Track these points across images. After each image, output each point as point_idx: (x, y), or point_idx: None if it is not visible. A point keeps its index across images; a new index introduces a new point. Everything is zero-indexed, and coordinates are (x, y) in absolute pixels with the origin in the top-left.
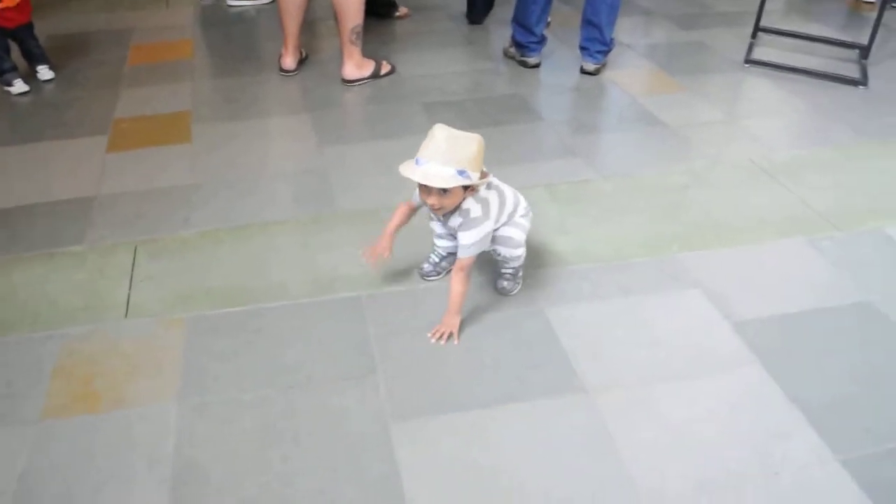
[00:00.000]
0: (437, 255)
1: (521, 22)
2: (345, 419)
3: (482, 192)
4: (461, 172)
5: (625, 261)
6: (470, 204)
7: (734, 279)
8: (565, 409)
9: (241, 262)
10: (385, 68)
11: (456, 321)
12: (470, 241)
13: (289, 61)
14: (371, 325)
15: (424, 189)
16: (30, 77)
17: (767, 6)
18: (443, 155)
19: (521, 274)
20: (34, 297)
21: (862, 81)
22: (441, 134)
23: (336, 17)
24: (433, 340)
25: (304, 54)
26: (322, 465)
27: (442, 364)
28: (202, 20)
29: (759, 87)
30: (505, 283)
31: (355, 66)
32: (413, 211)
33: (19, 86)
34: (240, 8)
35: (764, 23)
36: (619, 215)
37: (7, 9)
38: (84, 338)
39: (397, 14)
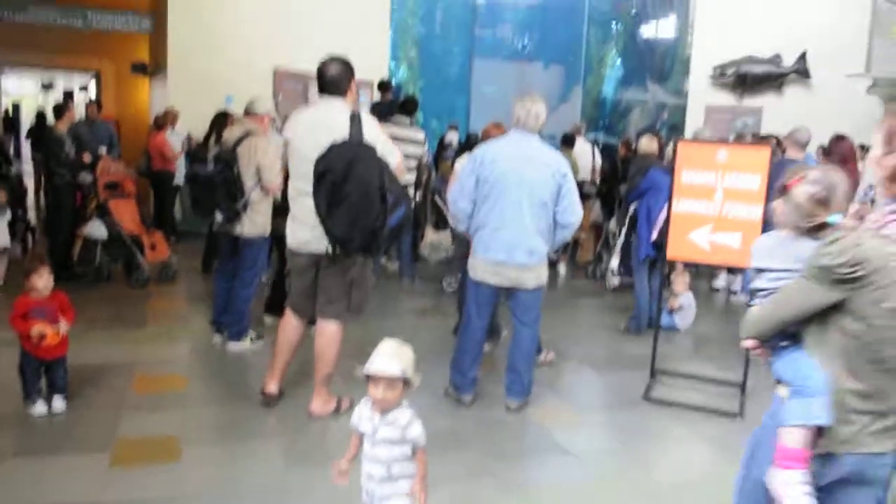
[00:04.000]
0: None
1: (458, 367)
2: None
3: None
4: (404, 371)
5: None
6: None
7: None
8: None
9: None
10: (345, 405)
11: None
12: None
13: (271, 387)
14: None
15: (374, 385)
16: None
17: (673, 349)
18: (390, 357)
19: None
20: None
21: (739, 413)
22: (386, 345)
23: (315, 360)
24: None
25: (282, 390)
26: None
27: None
28: (198, 356)
29: (654, 419)
30: None
31: (322, 403)
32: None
33: (40, 409)
34: (238, 350)
35: (665, 365)
36: None
37: (50, 345)
38: None
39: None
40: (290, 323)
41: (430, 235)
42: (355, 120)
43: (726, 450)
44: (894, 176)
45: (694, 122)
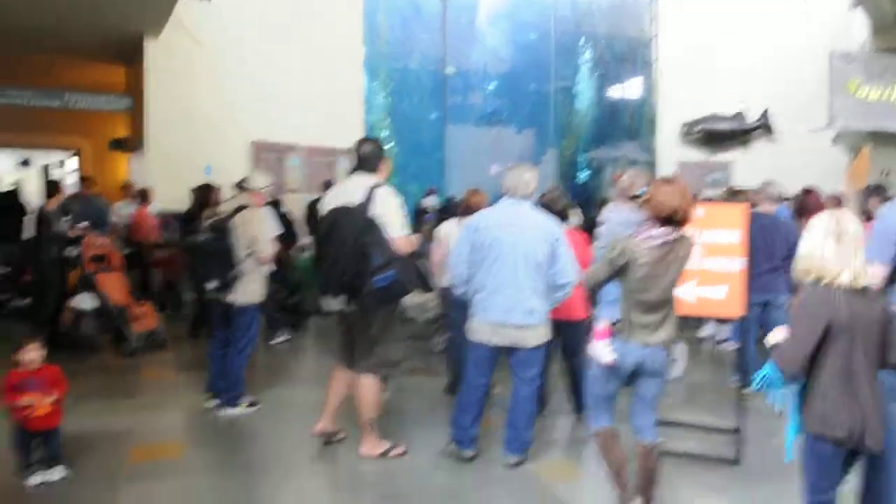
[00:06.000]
0: None
1: (458, 423)
2: None
3: None
4: None
5: None
6: None
7: None
8: None
9: None
10: (397, 451)
11: None
12: None
13: (320, 427)
14: None
15: None
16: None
17: (666, 398)
18: None
19: None
20: None
21: (736, 460)
22: None
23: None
24: None
25: (337, 432)
26: None
27: None
28: (193, 424)
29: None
30: None
31: (369, 446)
32: None
33: (37, 479)
34: (233, 415)
35: (661, 415)
36: None
37: (39, 415)
38: None
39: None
40: (338, 373)
41: (416, 296)
42: (370, 190)
43: (723, 494)
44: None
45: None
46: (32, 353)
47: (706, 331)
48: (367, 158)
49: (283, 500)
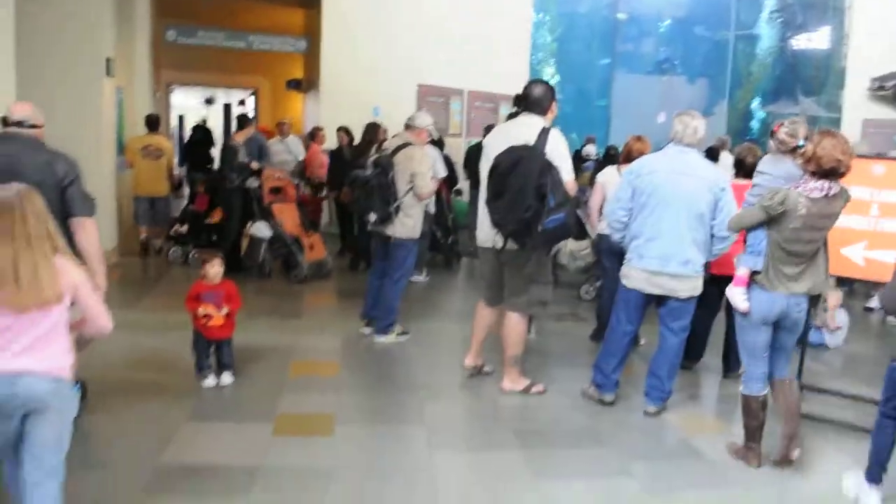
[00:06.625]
0: None
1: (601, 368)
2: None
3: None
4: None
5: None
6: None
7: None
8: None
9: None
10: (536, 388)
11: None
12: None
13: (468, 361)
14: None
15: None
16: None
17: (821, 367)
18: None
19: None
20: None
21: None
22: None
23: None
24: None
25: (483, 365)
26: None
27: None
28: (349, 347)
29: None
30: None
31: (511, 381)
32: None
33: (210, 381)
34: (385, 343)
35: (813, 381)
36: None
37: (215, 326)
38: None
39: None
40: (481, 311)
41: (570, 244)
42: (543, 132)
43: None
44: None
45: (850, 137)
46: (216, 268)
47: (875, 301)
48: (537, 100)
49: (427, 418)
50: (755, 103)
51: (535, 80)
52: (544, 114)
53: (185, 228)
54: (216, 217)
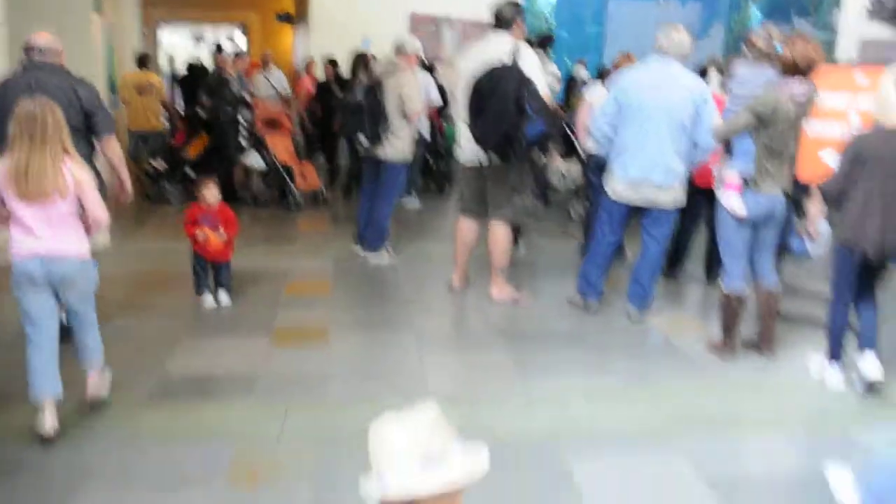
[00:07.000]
0: None
1: (586, 276)
2: None
3: None
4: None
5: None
6: None
7: None
8: None
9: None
10: (523, 301)
11: None
12: None
13: (455, 282)
14: None
15: (449, 499)
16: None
17: (803, 272)
18: (454, 436)
19: None
20: (219, 419)
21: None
22: (439, 415)
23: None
24: None
25: (468, 278)
26: None
27: None
28: (342, 267)
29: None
30: None
31: (498, 290)
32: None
33: (209, 301)
34: (377, 262)
35: (794, 283)
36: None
37: (214, 248)
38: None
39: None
40: (463, 225)
41: (559, 163)
42: (516, 49)
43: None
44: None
45: (846, 58)
46: (212, 191)
47: None
48: (503, 18)
49: (417, 327)
50: (751, 25)
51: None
52: (509, 29)
53: (160, 164)
54: (194, 152)
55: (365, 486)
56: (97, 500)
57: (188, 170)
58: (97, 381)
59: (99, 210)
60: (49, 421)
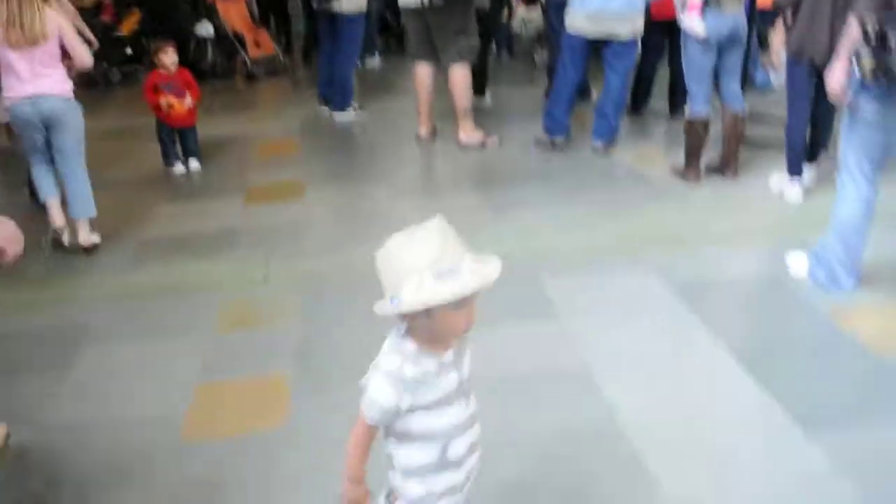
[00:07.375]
0: None
1: (551, 113)
2: None
3: None
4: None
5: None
6: None
7: None
8: None
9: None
10: (490, 142)
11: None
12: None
13: (423, 132)
14: None
15: (463, 309)
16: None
17: (766, 103)
18: (463, 247)
19: None
20: (203, 272)
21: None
22: (447, 228)
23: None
24: None
25: (435, 128)
26: None
27: None
28: (309, 126)
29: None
30: None
31: (466, 135)
32: (373, 433)
33: (179, 168)
34: (344, 120)
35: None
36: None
37: (179, 114)
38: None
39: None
40: (419, 71)
41: (521, 11)
42: None
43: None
44: None
45: None
46: (171, 56)
47: None
48: None
49: (388, 176)
50: None
51: None
52: None
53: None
54: (127, 28)
55: (379, 308)
56: (92, 354)
57: (128, 50)
58: (89, 229)
59: (82, 53)
60: (57, 218)
